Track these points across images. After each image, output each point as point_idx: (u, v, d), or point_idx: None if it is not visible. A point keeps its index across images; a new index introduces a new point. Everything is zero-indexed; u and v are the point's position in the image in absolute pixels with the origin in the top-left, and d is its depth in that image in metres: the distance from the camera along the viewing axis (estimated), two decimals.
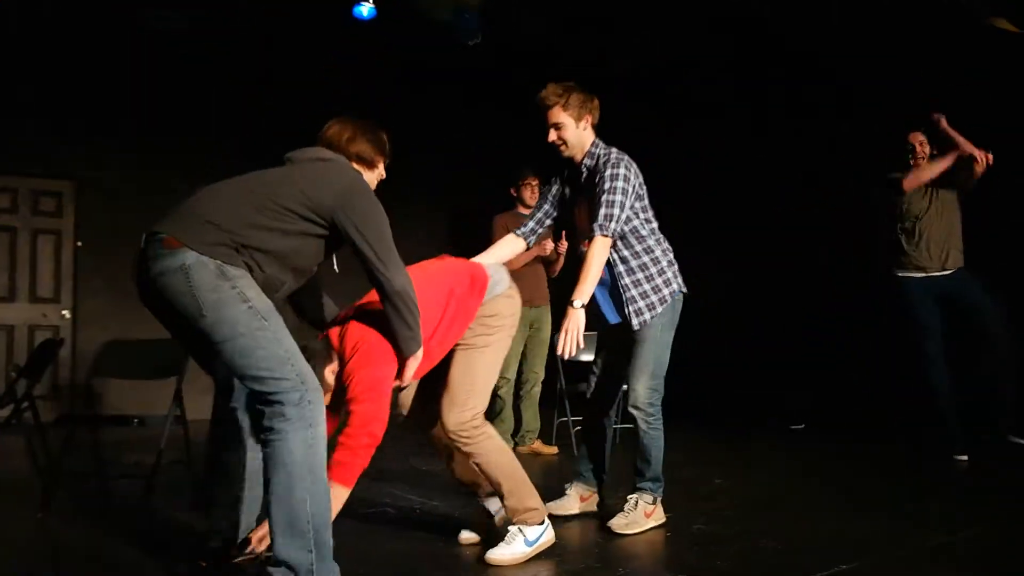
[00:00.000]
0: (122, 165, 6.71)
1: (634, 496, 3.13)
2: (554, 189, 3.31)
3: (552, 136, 3.08)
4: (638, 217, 3.08)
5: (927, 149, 4.62)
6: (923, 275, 4.58)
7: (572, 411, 4.97)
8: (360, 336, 2.45)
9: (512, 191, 5.10)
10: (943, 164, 4.49)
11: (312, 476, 2.10)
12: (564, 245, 4.99)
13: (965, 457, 4.41)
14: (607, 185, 2.96)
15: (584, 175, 3.12)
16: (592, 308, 3.06)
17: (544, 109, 3.06)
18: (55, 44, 6.39)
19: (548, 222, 3.36)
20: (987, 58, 5.03)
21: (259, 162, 7.48)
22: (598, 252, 2.94)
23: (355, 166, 2.49)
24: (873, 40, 5.50)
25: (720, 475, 4.17)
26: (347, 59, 6.77)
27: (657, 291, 3.09)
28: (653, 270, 3.10)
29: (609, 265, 3.07)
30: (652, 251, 3.11)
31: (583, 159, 3.12)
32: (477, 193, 5.09)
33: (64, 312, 6.75)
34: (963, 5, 4.74)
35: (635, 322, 3.08)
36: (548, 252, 4.90)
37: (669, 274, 3.13)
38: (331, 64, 6.79)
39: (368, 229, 2.29)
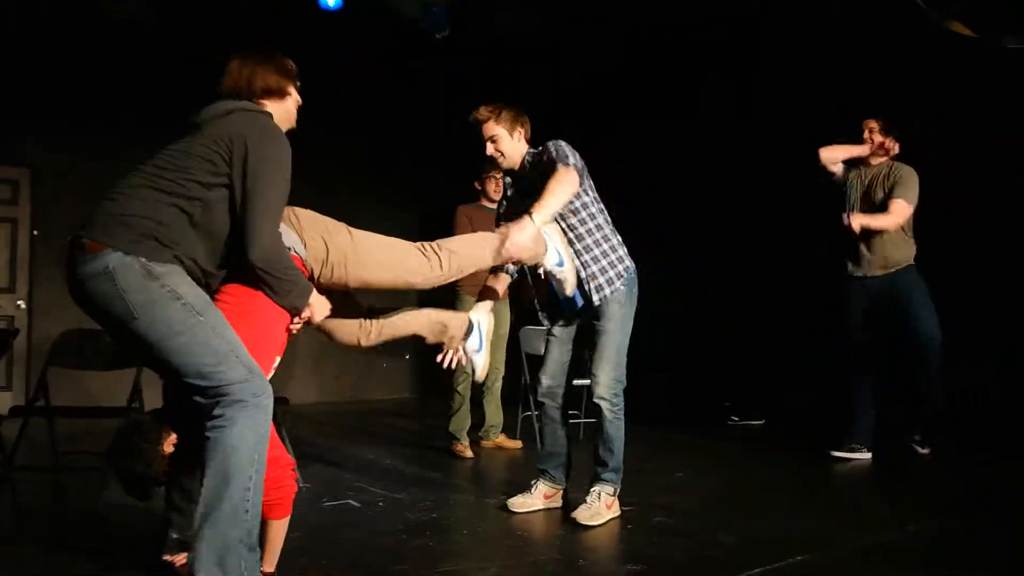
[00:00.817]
0: (78, 152, 6.57)
1: (596, 488, 3.18)
2: (505, 195, 3.45)
3: (490, 149, 3.22)
4: (588, 195, 3.19)
5: (877, 137, 4.48)
6: (860, 274, 4.51)
7: (535, 405, 4.99)
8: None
9: (476, 184, 5.10)
10: (857, 150, 4.48)
11: (258, 466, 2.05)
12: None
13: (869, 455, 4.42)
14: (554, 148, 3.10)
15: (527, 169, 3.24)
16: (548, 299, 3.24)
17: (478, 125, 3.22)
18: (11, 29, 6.22)
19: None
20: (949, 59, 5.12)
21: None
22: (563, 179, 2.95)
23: (266, 104, 2.35)
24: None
25: (681, 469, 4.23)
26: (316, 49, 6.71)
27: (613, 267, 3.19)
28: (606, 246, 3.20)
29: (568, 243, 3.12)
30: (603, 228, 3.23)
31: (523, 160, 3.25)
32: (447, 190, 5.08)
33: (19, 302, 6.60)
34: (921, 8, 4.84)
35: (596, 297, 3.15)
36: None
37: (621, 252, 3.25)
38: (298, 53, 6.71)
39: (259, 179, 2.13)
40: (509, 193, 3.40)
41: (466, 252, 2.65)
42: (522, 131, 3.24)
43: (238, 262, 2.20)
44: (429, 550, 2.82)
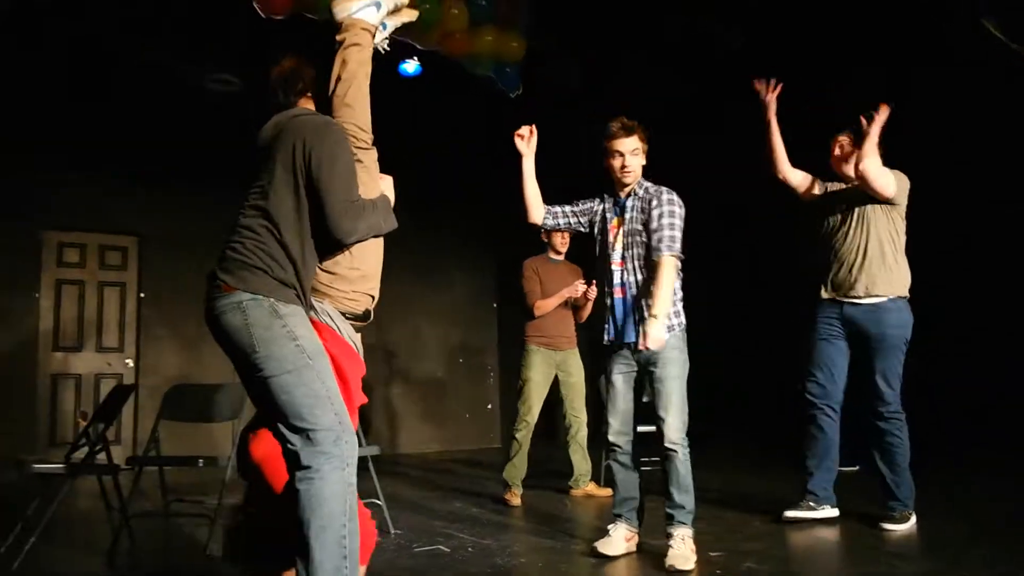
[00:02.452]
0: (182, 220, 7.04)
1: (679, 532, 3.19)
2: (591, 206, 3.54)
3: (625, 161, 3.34)
4: None
5: (847, 154, 3.89)
6: (829, 297, 3.90)
7: (607, 454, 4.98)
8: None
9: (543, 237, 5.21)
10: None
11: (350, 513, 2.15)
12: (594, 292, 5.04)
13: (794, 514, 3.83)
14: (666, 209, 3.28)
15: (632, 204, 3.36)
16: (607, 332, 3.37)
17: (627, 132, 3.35)
18: (119, 107, 6.77)
19: (565, 220, 3.59)
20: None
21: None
22: (669, 270, 3.22)
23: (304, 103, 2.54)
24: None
25: (762, 516, 4.12)
26: (397, 111, 7.05)
27: (677, 315, 3.32)
28: (675, 297, 3.32)
29: (634, 285, 3.31)
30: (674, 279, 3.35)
31: (631, 189, 3.38)
32: (521, 241, 5.24)
33: (127, 360, 7.05)
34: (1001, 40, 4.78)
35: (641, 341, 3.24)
36: (578, 295, 4.99)
37: (679, 306, 3.37)
38: (382, 116, 7.06)
39: (330, 167, 2.29)
40: (604, 211, 3.49)
41: None
42: (644, 153, 3.39)
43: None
44: None
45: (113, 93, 6.65)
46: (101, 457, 3.80)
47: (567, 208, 3.58)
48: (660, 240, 3.24)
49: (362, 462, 4.19)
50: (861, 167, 3.66)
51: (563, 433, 5.10)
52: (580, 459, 5.06)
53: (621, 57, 6.03)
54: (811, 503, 3.84)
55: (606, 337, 3.40)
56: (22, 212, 6.57)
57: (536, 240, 5.21)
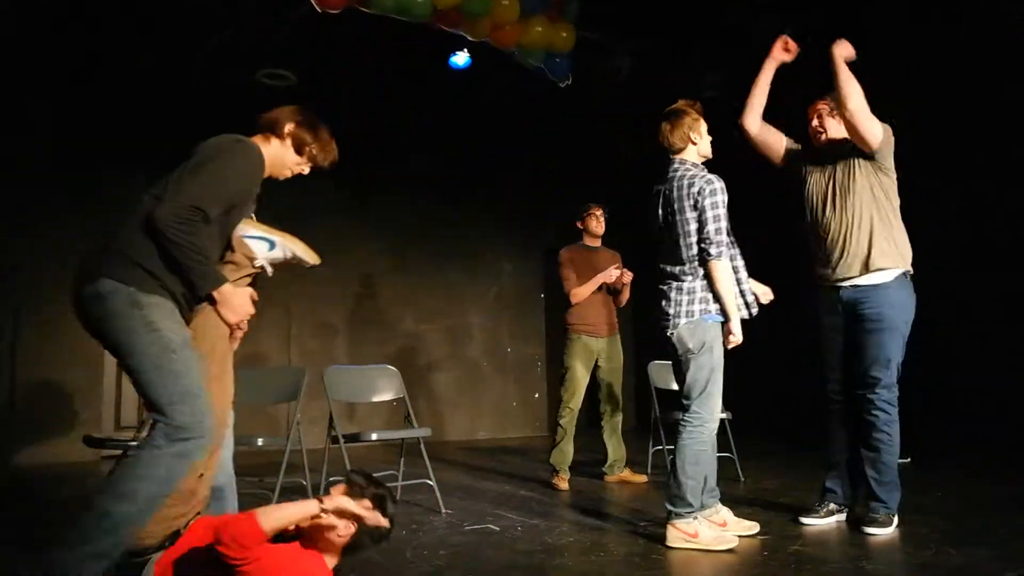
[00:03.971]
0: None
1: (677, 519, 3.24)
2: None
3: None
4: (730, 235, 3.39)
5: (826, 122, 3.56)
6: (824, 282, 3.58)
7: (667, 439, 5.03)
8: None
9: (578, 224, 5.26)
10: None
11: (143, 505, 2.17)
12: (629, 275, 5.09)
13: (812, 522, 3.56)
14: (713, 220, 3.28)
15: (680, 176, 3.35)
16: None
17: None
18: (177, 100, 7.00)
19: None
20: None
21: (361, 203, 8.00)
22: (723, 275, 3.30)
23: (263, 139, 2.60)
24: None
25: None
26: (443, 105, 7.17)
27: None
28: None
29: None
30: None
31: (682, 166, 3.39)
32: (570, 231, 5.31)
33: None
34: None
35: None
36: (613, 280, 5.04)
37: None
38: (432, 108, 7.19)
39: (197, 166, 2.33)
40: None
41: None
42: (692, 133, 3.38)
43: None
44: (569, 569, 2.96)
45: (172, 85, 6.87)
46: None
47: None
48: (707, 245, 3.30)
49: (413, 443, 4.34)
50: (849, 106, 3.30)
51: (598, 419, 5.16)
52: (615, 445, 5.11)
53: (672, 46, 6.04)
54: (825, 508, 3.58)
55: (748, 311, 3.35)
56: (88, 203, 6.85)
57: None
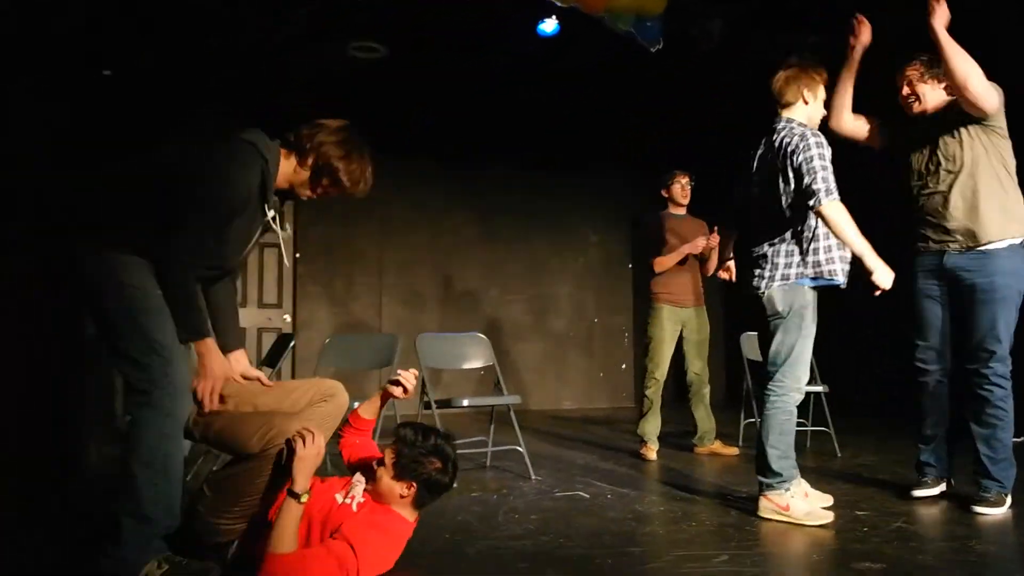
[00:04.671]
0: None
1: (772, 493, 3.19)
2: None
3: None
4: None
5: (918, 88, 3.37)
6: (926, 250, 3.41)
7: (759, 412, 4.91)
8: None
9: (663, 192, 5.15)
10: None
11: (166, 468, 2.22)
12: (716, 239, 4.96)
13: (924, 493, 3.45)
14: (808, 172, 3.12)
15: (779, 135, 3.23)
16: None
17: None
18: (269, 74, 7.20)
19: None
20: None
21: (448, 173, 8.04)
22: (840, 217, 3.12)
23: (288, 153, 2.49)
24: None
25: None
26: (530, 73, 7.12)
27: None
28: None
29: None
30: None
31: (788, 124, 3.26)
32: (657, 201, 5.22)
33: (286, 316, 7.59)
34: None
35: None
36: (700, 249, 4.93)
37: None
38: (518, 78, 7.15)
39: (190, 196, 2.27)
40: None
41: None
42: (807, 91, 3.25)
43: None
44: (661, 537, 2.95)
45: (257, 56, 7.05)
46: None
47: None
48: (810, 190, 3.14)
49: (502, 411, 4.40)
50: (959, 81, 3.09)
51: (685, 391, 5.09)
52: (703, 417, 5.04)
53: (764, 9, 5.80)
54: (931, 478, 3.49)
55: (844, 279, 3.19)
56: None
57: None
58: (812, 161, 3.05)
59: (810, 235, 3.15)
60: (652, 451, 4.85)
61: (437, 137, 7.79)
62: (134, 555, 2.20)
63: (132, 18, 5.63)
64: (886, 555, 2.60)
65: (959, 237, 3.28)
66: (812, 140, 3.09)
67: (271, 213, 2.50)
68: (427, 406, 4.23)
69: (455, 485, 2.47)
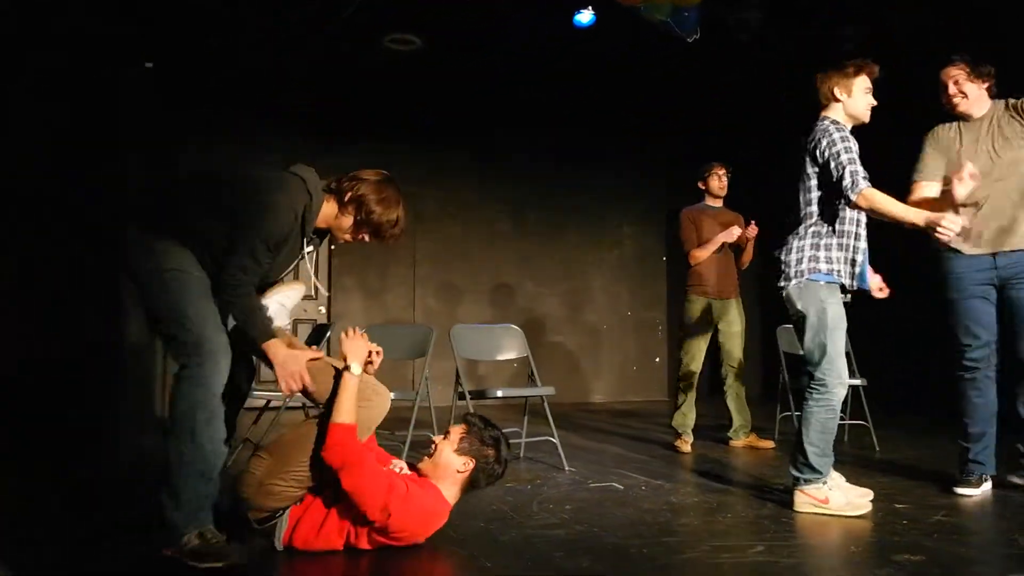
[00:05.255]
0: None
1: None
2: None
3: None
4: None
5: (964, 87, 3.42)
6: (974, 250, 3.43)
7: (795, 405, 4.89)
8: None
9: (700, 184, 5.11)
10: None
11: (193, 434, 2.39)
12: (754, 230, 4.91)
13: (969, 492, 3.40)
14: (837, 169, 3.11)
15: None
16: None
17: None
18: (307, 65, 7.28)
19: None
20: None
21: (483, 165, 8.03)
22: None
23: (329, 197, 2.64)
24: None
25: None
26: (566, 66, 7.11)
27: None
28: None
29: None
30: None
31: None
32: (692, 194, 5.18)
33: (321, 308, 7.68)
34: None
35: (781, 284, 3.26)
36: (734, 239, 4.89)
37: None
38: (553, 68, 7.15)
39: (242, 218, 2.48)
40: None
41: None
42: (838, 89, 3.21)
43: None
44: (695, 528, 2.95)
45: (298, 54, 7.13)
46: None
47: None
48: (840, 187, 3.14)
49: (536, 402, 4.41)
50: None
51: (720, 384, 5.06)
52: (738, 410, 5.01)
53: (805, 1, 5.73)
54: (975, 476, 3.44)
55: (850, 281, 3.20)
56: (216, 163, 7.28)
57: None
58: (839, 156, 3.05)
59: (823, 231, 3.17)
60: (686, 444, 4.84)
61: (471, 129, 7.82)
62: (181, 520, 2.38)
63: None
64: (926, 548, 2.57)
65: (1013, 237, 3.34)
66: (836, 135, 3.09)
67: (309, 248, 2.67)
68: (461, 396, 4.26)
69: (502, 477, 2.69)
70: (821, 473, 3.09)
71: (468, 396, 4.21)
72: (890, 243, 3.73)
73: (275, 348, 2.52)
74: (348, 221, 2.63)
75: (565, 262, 8.50)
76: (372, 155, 7.37)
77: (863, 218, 3.18)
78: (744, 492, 3.57)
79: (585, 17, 5.75)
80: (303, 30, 6.37)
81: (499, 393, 4.31)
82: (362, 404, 2.56)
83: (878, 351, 5.57)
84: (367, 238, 2.69)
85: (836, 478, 3.22)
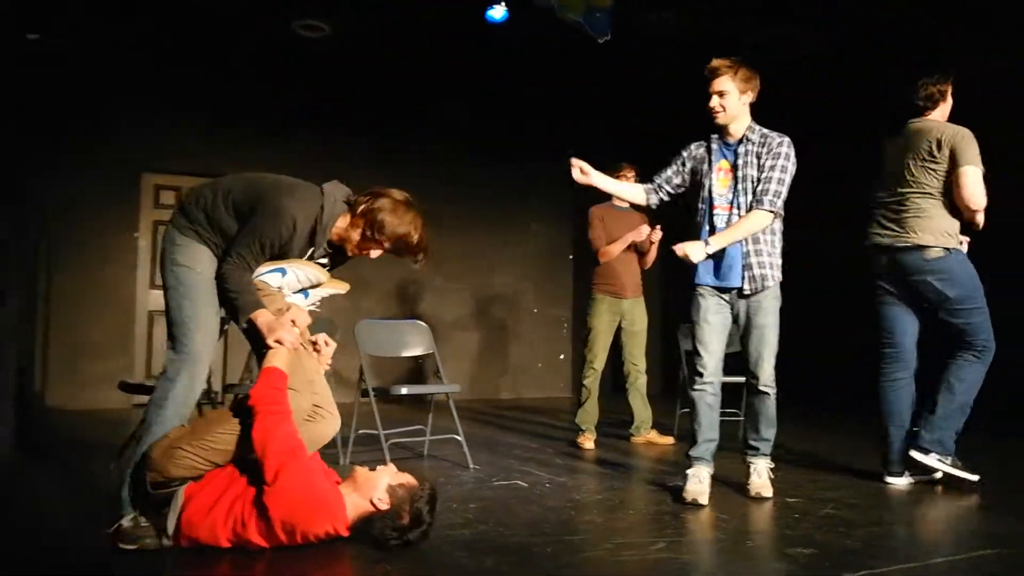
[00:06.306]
0: (271, 164, 7.20)
1: (762, 463, 3.42)
2: (690, 151, 3.48)
3: (714, 102, 3.30)
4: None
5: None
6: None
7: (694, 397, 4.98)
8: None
9: None
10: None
11: (153, 427, 2.58)
12: (658, 234, 5.02)
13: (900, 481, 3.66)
14: (779, 164, 3.27)
15: (746, 149, 3.34)
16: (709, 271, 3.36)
17: (712, 74, 3.29)
18: (214, 53, 6.98)
19: (673, 186, 3.53)
20: None
21: (391, 160, 7.93)
22: (755, 220, 3.26)
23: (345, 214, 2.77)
24: None
25: (849, 468, 4.10)
26: (477, 60, 7.07)
27: (773, 268, 3.36)
28: (776, 250, 3.39)
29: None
30: (776, 234, 3.39)
31: (744, 134, 3.34)
32: (599, 193, 5.24)
33: None
34: None
35: (749, 286, 3.32)
36: (642, 239, 4.98)
37: (779, 261, 3.41)
38: (463, 67, 7.11)
39: (249, 217, 2.64)
40: (710, 152, 3.42)
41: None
42: (751, 94, 3.31)
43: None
44: (599, 525, 2.97)
45: (204, 40, 6.83)
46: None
47: (668, 172, 3.52)
48: (764, 193, 3.26)
49: (442, 400, 4.36)
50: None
51: (623, 381, 5.14)
52: (640, 406, 5.10)
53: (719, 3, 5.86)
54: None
55: (701, 279, 3.36)
56: (123, 156, 6.89)
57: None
58: (785, 171, 3.34)
59: None
60: (589, 440, 4.89)
61: (379, 120, 7.68)
62: (126, 501, 2.58)
63: None
64: (817, 541, 2.67)
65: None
66: (784, 148, 3.34)
67: (318, 252, 2.80)
68: (364, 394, 4.17)
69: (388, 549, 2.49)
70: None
71: (372, 393, 4.12)
72: None
73: (261, 317, 2.61)
74: (356, 234, 2.75)
75: (473, 258, 8.47)
76: (275, 144, 7.18)
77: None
78: (645, 488, 3.63)
79: (498, 13, 5.73)
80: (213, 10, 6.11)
81: (404, 390, 4.24)
82: (314, 418, 2.64)
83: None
84: (373, 254, 2.80)
85: (706, 470, 3.36)
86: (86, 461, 4.15)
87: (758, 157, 3.31)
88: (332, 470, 2.63)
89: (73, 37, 6.28)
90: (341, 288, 2.98)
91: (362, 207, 2.72)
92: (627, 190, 3.66)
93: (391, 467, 2.59)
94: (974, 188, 3.47)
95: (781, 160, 3.28)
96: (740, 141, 3.35)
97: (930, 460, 3.55)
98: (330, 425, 2.71)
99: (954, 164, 3.50)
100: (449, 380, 4.50)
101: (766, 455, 3.43)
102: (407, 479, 2.54)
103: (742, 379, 3.51)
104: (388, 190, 2.77)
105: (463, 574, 2.34)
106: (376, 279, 8.00)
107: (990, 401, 3.70)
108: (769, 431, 3.43)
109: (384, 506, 2.46)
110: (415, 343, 4.56)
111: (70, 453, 4.54)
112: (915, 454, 3.57)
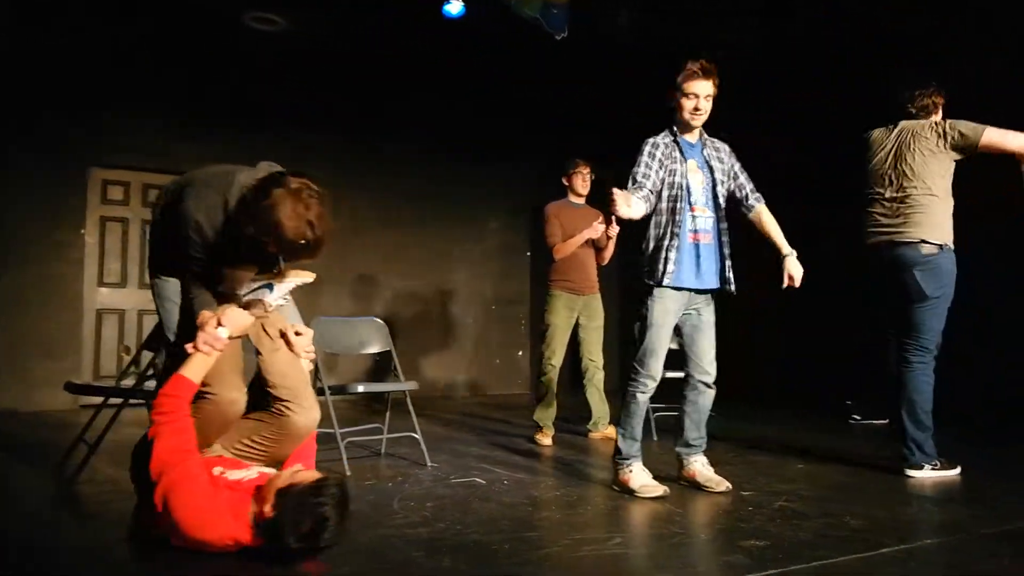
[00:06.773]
0: (222, 159, 7.11)
1: (703, 457, 3.53)
2: (664, 151, 3.40)
3: (702, 105, 3.34)
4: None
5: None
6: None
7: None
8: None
9: (564, 181, 5.22)
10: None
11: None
12: (615, 229, 5.04)
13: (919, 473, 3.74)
14: (738, 163, 3.53)
15: (709, 151, 3.48)
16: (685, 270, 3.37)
17: (705, 75, 3.32)
18: (164, 45, 6.83)
19: (655, 191, 3.41)
20: None
21: (348, 155, 7.82)
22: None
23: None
24: None
25: (800, 462, 4.19)
26: (433, 56, 7.03)
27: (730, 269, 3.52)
28: (728, 252, 3.53)
29: (717, 233, 3.44)
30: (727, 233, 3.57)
31: (700, 137, 3.48)
32: (557, 191, 5.25)
33: None
34: None
35: (732, 287, 3.44)
36: (598, 236, 5.01)
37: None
38: (419, 61, 7.05)
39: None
40: (670, 150, 3.41)
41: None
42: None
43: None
44: (556, 521, 2.97)
45: (155, 33, 6.68)
46: (149, 384, 3.92)
47: (652, 176, 3.36)
48: (752, 191, 3.53)
49: (398, 397, 4.33)
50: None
51: (580, 376, 5.17)
52: (598, 402, 5.13)
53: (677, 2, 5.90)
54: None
55: (680, 282, 3.32)
56: (69, 150, 6.69)
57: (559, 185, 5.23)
58: (743, 168, 3.60)
59: None
60: (547, 436, 4.90)
61: (337, 116, 7.59)
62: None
63: None
64: (770, 533, 2.72)
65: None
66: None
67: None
68: (320, 392, 4.11)
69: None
70: (623, 454, 3.44)
71: (328, 391, 4.07)
72: None
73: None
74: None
75: (430, 254, 8.42)
76: (232, 139, 7.05)
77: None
78: (602, 484, 3.64)
79: (455, 8, 5.69)
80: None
81: (360, 388, 4.20)
82: (284, 413, 2.63)
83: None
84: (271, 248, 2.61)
85: (696, 464, 3.48)
86: (31, 464, 4.03)
87: (720, 161, 3.49)
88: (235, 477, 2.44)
89: (17, 31, 6.08)
90: (307, 277, 2.92)
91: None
92: (643, 209, 3.37)
93: (296, 466, 2.42)
94: (1006, 135, 3.57)
95: (736, 160, 3.54)
96: (701, 143, 3.47)
97: (926, 473, 3.71)
98: (303, 418, 2.63)
99: (969, 141, 3.63)
100: (406, 378, 4.47)
101: (703, 450, 3.57)
102: (302, 478, 2.30)
103: (682, 374, 3.53)
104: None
105: (420, 573, 2.32)
106: (331, 275, 7.91)
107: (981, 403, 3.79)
108: (704, 427, 3.55)
109: (270, 514, 2.25)
110: (372, 340, 4.52)
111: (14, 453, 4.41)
112: (911, 472, 3.72)
